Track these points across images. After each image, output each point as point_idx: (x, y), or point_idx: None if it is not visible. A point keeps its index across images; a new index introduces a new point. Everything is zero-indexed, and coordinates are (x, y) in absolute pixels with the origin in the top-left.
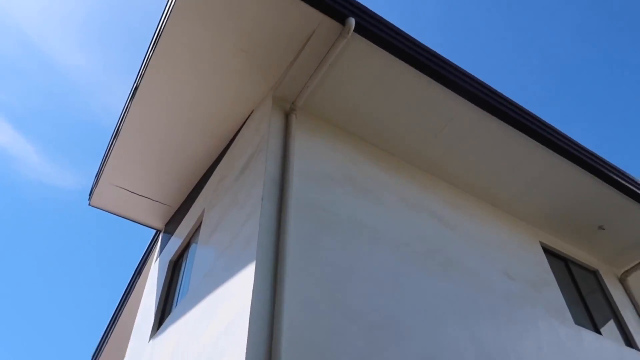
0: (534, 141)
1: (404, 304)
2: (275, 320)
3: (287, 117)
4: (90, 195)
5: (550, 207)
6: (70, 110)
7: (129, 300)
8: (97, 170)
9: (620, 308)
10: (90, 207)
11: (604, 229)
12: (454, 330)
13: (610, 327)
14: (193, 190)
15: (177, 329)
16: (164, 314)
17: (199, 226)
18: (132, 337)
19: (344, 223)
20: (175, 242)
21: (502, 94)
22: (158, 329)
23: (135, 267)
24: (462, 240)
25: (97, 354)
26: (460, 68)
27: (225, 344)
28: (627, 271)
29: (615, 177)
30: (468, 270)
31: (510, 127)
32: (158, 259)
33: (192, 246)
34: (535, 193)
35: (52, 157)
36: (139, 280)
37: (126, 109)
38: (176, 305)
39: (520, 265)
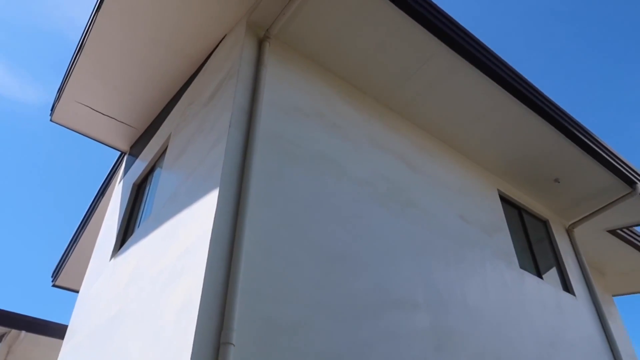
0: (504, 91)
1: (362, 239)
2: (236, 245)
3: (260, 44)
4: (52, 110)
5: (512, 157)
6: (31, 18)
7: (91, 221)
8: (59, 84)
9: (563, 256)
10: (52, 123)
11: (559, 182)
12: (407, 266)
13: (552, 273)
14: (160, 113)
15: (139, 249)
16: (126, 234)
17: (165, 150)
18: (93, 256)
19: (310, 157)
20: (140, 165)
21: (479, 40)
22: (119, 248)
23: (99, 188)
24: (423, 182)
25: (57, 273)
26: (439, 8)
27: (186, 264)
28: (574, 223)
29: (576, 132)
30: (426, 212)
31: (483, 75)
32: (122, 181)
33: (157, 170)
34: (500, 142)
35: (11, 68)
36: (102, 201)
37: (91, 22)
38: (138, 226)
39: (476, 210)
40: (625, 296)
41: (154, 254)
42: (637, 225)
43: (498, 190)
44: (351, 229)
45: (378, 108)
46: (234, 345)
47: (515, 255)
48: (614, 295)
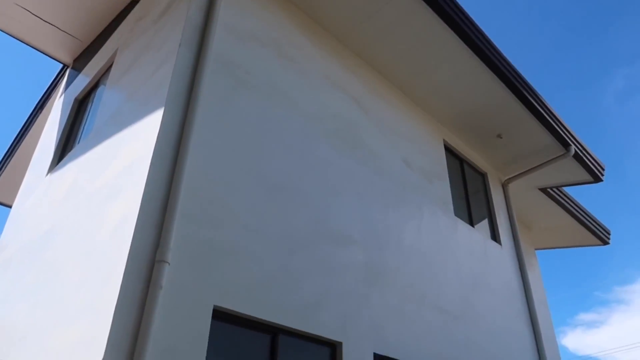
0: (460, 40)
1: (306, 173)
2: (178, 167)
3: None
4: None
5: (461, 109)
6: None
7: (28, 134)
8: None
9: (495, 209)
10: None
11: (501, 138)
12: (348, 203)
13: (483, 223)
14: (108, 27)
15: (77, 165)
16: (64, 150)
17: (110, 66)
18: (28, 170)
19: (262, 86)
20: (83, 80)
21: None
22: (57, 164)
23: (38, 100)
24: (373, 125)
25: None
26: None
27: (125, 182)
28: (510, 178)
29: (523, 90)
30: (372, 153)
31: (442, 23)
32: (63, 95)
33: (101, 87)
34: (450, 93)
35: None
36: (41, 115)
37: None
38: (78, 142)
39: (421, 157)
40: (546, 250)
41: (93, 171)
42: (566, 185)
43: (444, 140)
44: (296, 162)
45: (336, 46)
46: (168, 264)
47: (451, 203)
48: (536, 249)
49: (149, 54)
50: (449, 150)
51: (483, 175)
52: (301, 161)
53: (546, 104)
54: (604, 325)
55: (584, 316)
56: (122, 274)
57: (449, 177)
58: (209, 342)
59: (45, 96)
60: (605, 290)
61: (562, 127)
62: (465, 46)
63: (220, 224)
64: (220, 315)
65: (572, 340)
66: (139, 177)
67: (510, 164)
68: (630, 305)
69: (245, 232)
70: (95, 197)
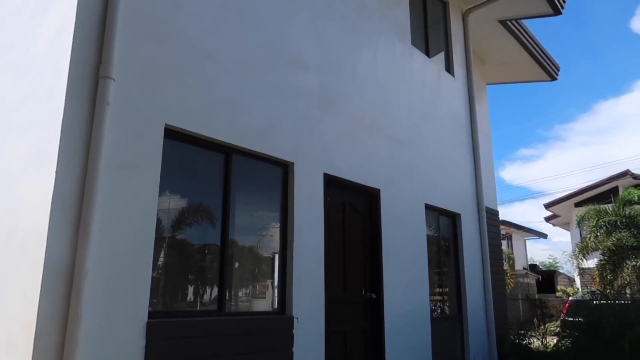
0: None
1: None
2: None
3: None
4: None
5: None
6: None
7: None
8: None
9: (453, 40)
10: None
11: None
12: (302, 27)
13: (440, 55)
14: None
15: None
16: None
17: None
18: None
19: None
20: None
21: None
22: None
23: None
24: None
25: None
26: None
27: None
28: (471, 8)
29: None
30: None
31: None
32: None
33: None
34: None
35: None
36: None
37: None
38: None
39: None
40: (498, 85)
41: None
42: (526, 17)
43: None
44: None
45: None
46: (114, 80)
47: (409, 32)
48: (488, 83)
49: None
50: None
51: (444, 4)
52: None
53: None
54: (539, 159)
55: (524, 151)
56: (64, 90)
57: (409, 3)
58: (162, 160)
59: None
60: (546, 128)
61: None
62: None
63: (167, 41)
64: (173, 134)
65: (509, 172)
66: None
67: None
68: (567, 142)
69: (194, 51)
70: (24, 9)
